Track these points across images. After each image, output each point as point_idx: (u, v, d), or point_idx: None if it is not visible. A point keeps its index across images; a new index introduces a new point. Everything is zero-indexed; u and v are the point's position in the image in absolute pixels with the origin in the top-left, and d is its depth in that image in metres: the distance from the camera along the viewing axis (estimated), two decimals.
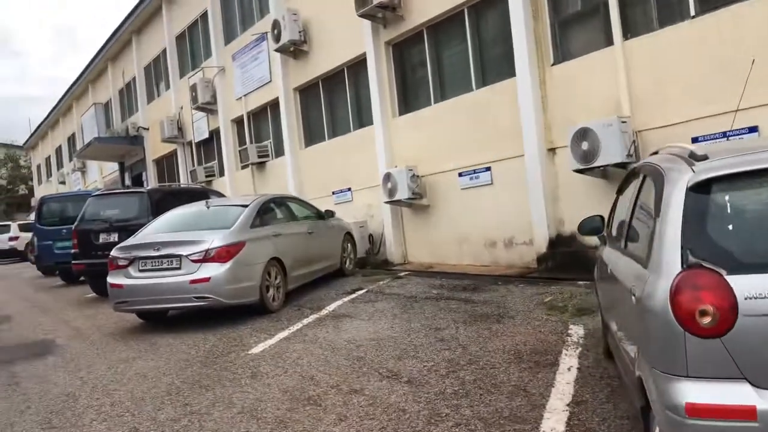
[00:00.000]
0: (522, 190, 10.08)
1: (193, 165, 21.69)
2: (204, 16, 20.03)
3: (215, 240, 8.00)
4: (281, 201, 10.10)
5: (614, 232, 4.40)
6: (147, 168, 25.67)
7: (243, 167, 18.33)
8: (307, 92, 15.64)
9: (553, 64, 9.67)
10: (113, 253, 8.40)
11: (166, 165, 24.59)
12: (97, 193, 12.38)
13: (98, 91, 31.36)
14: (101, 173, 31.80)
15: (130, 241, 8.59)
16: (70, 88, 33.81)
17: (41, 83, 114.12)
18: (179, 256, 7.97)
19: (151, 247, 8.12)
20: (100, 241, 11.49)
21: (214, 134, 20.15)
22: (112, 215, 11.68)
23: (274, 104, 16.80)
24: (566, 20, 9.65)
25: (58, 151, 40.28)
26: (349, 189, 14.20)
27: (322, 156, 15.02)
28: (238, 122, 18.77)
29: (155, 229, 8.87)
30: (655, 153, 3.77)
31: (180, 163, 22.50)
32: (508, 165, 10.37)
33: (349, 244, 11.49)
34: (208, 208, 9.20)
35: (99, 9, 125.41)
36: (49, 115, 39.24)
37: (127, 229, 11.15)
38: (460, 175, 11.24)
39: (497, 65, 10.73)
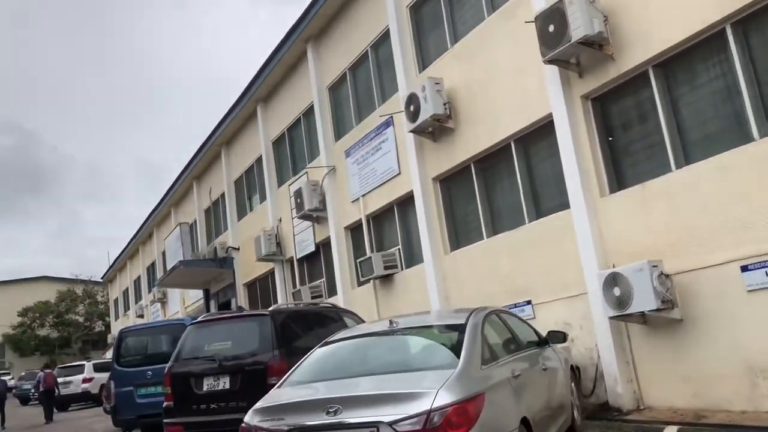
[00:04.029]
0: None
1: (295, 285, 18.30)
2: (308, 112, 17.33)
3: (441, 393, 4.24)
4: (498, 317, 6.28)
5: None
6: (237, 293, 22.48)
7: (362, 283, 14.78)
8: (452, 181, 12.23)
9: None
10: (249, 420, 4.70)
11: (260, 288, 21.34)
12: (198, 319, 8.89)
13: (181, 213, 29.12)
14: (183, 303, 28.93)
15: (276, 398, 4.88)
16: (151, 213, 31.83)
17: (125, 224, 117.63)
18: (375, 425, 4.21)
19: (319, 409, 4.41)
20: (205, 389, 7.87)
21: (321, 247, 16.86)
22: (222, 350, 8.07)
23: (404, 201, 13.46)
24: None
25: (137, 282, 38.10)
26: (529, 302, 10.32)
27: (480, 260, 11.32)
28: (353, 229, 15.45)
29: (312, 375, 5.20)
30: None
31: (278, 284, 19.15)
32: None
33: (573, 384, 7.51)
34: (392, 332, 5.48)
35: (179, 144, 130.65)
36: (129, 244, 37.39)
37: (245, 370, 7.65)
38: (745, 269, 7.27)
39: None
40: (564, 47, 8.74)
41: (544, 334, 7.57)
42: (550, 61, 9.12)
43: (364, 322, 10.45)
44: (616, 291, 8.14)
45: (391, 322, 5.50)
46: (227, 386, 7.78)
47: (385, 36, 13.84)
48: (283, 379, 5.25)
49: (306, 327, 8.87)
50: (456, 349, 4.86)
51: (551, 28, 8.89)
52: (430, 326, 5.74)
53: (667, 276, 7.89)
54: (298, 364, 5.46)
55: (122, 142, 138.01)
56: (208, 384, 7.90)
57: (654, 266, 7.86)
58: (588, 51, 8.78)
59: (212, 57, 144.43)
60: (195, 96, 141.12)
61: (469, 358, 4.73)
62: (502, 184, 11.16)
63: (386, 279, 13.91)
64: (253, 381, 7.61)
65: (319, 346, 5.71)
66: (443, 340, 5.21)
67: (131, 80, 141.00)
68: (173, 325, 12.43)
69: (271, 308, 8.62)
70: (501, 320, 6.19)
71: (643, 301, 7.86)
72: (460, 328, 5.16)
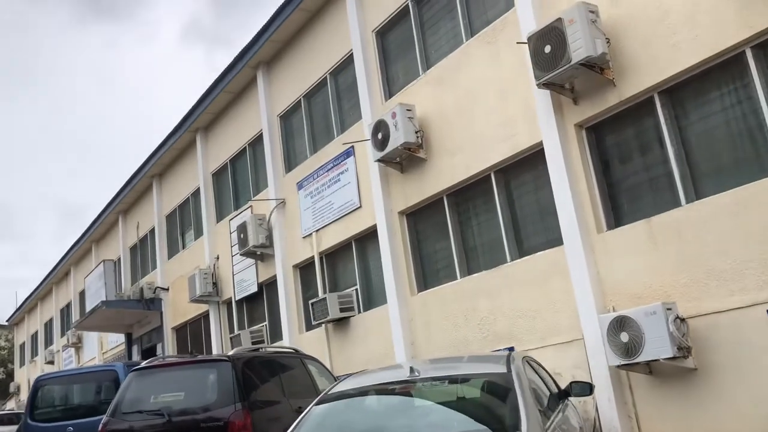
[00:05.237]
0: None
1: (232, 329, 16.78)
2: (256, 141, 16.16)
3: None
4: (530, 364, 5.23)
5: None
6: (164, 338, 20.63)
7: (312, 327, 13.52)
8: (420, 215, 11.29)
9: None
10: None
11: (191, 333, 19.60)
12: (142, 365, 7.46)
13: (104, 250, 26.99)
14: (101, 348, 26.57)
15: None
16: (70, 249, 29.42)
17: (37, 264, 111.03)
18: None
19: None
20: None
21: (265, 287, 15.53)
22: (172, 402, 6.69)
23: (364, 237, 12.42)
24: None
25: (48, 325, 35.11)
26: (511, 349, 9.37)
27: (452, 302, 10.35)
28: (303, 267, 14.24)
29: None
30: None
31: (213, 328, 17.56)
32: None
33: None
34: (416, 383, 4.36)
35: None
36: (42, 283, 34.50)
37: (201, 427, 6.35)
38: None
39: None
40: (562, 69, 8.05)
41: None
42: (544, 85, 8.41)
43: (328, 369, 9.28)
44: (624, 337, 7.31)
45: (412, 370, 4.39)
46: None
47: (347, 62, 12.99)
48: None
49: (270, 375, 7.61)
50: (509, 406, 3.81)
51: (547, 48, 8.21)
52: (465, 375, 4.66)
53: (683, 320, 7.13)
54: (293, 426, 4.24)
55: (40, 180, 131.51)
56: None
57: (668, 309, 7.09)
58: (586, 75, 8.11)
59: (142, 97, 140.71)
60: (123, 136, 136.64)
61: (529, 418, 3.69)
62: (479, 219, 10.31)
63: (341, 323, 12.73)
64: None
65: (316, 403, 4.52)
66: (487, 394, 4.17)
67: (54, 120, 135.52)
68: (100, 371, 10.79)
69: (231, 352, 7.33)
70: (533, 368, 5.18)
71: (657, 348, 7.05)
72: (504, 379, 4.13)
